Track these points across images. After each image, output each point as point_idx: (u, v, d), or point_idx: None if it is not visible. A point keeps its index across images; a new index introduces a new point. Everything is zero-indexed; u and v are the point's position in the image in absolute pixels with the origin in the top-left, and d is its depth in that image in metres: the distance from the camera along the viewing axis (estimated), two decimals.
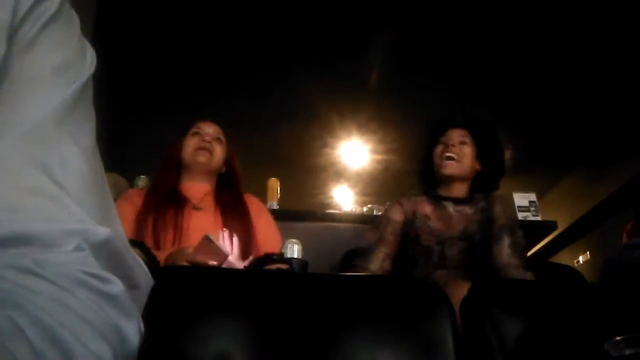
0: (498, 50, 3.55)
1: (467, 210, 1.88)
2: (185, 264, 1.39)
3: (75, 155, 0.44)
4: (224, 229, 1.59)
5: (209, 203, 1.76)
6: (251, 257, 1.57)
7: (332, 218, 2.83)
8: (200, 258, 1.38)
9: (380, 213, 2.49)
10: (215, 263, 1.38)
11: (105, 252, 0.43)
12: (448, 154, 1.91)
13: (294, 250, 2.11)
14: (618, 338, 0.67)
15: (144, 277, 0.50)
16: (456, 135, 1.96)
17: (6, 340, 0.32)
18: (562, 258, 4.82)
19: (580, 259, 4.71)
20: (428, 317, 1.06)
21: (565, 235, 4.66)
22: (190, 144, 1.83)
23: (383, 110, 4.15)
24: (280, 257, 1.67)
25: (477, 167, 1.95)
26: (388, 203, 2.09)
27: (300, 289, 1.09)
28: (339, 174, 5.15)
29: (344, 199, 5.39)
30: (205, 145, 1.81)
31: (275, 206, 2.77)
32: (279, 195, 2.86)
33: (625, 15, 3.13)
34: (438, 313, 1.07)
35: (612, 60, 3.47)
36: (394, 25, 3.41)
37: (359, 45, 3.54)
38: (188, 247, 1.45)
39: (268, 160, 4.05)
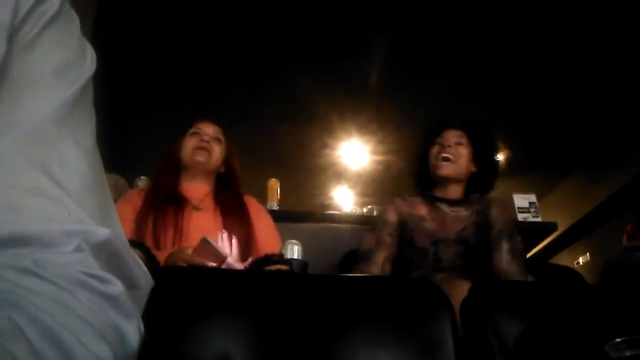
0: (498, 50, 3.55)
1: (463, 211, 1.87)
2: (184, 265, 1.39)
3: (75, 155, 0.44)
4: (224, 231, 1.59)
5: (209, 203, 1.76)
6: (251, 259, 1.57)
7: (332, 219, 2.83)
8: (199, 259, 1.38)
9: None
10: (214, 264, 1.38)
11: (105, 252, 0.43)
12: (444, 155, 1.90)
13: (293, 251, 2.11)
14: (618, 340, 0.67)
15: (144, 278, 0.50)
16: (452, 136, 1.95)
17: (6, 340, 0.32)
18: (562, 259, 4.82)
19: (580, 260, 4.71)
20: (428, 318, 1.06)
21: (565, 236, 4.67)
22: (189, 144, 1.83)
23: (383, 110, 4.15)
24: (280, 258, 1.67)
25: (473, 168, 1.94)
26: (370, 206, 2.08)
27: (300, 290, 1.09)
28: (339, 175, 5.15)
29: (344, 199, 5.39)
30: (204, 145, 1.81)
31: (275, 207, 2.77)
32: (279, 196, 2.86)
33: (625, 16, 3.13)
34: (438, 314, 1.06)
35: (612, 61, 3.47)
36: (394, 25, 3.41)
37: (359, 46, 3.54)
38: (188, 248, 1.45)
39: (268, 161, 4.05)
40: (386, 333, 1.02)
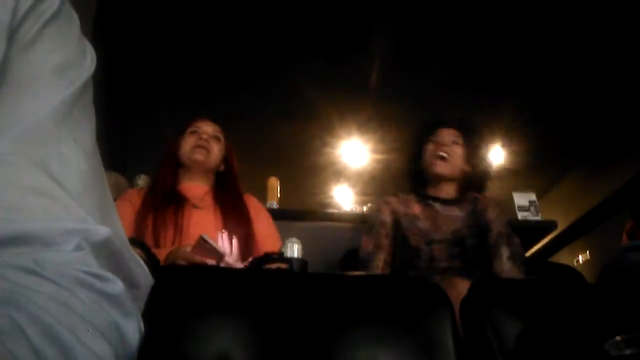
0: (498, 50, 3.55)
1: (456, 211, 1.86)
2: (183, 263, 1.39)
3: (75, 154, 0.44)
4: (224, 231, 1.59)
5: (209, 202, 1.76)
6: (251, 259, 1.57)
7: (332, 217, 2.83)
8: (198, 257, 1.38)
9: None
10: (213, 262, 1.39)
11: (105, 251, 0.43)
12: (440, 153, 1.90)
13: (293, 249, 2.11)
14: (618, 338, 0.67)
15: (144, 277, 0.50)
16: (448, 135, 1.94)
17: (6, 339, 0.32)
18: (561, 258, 4.83)
19: (580, 258, 4.71)
20: (428, 317, 1.06)
21: (565, 234, 4.67)
22: (187, 142, 1.83)
23: (383, 109, 4.15)
24: (280, 257, 1.67)
25: (466, 168, 1.94)
26: (370, 204, 2.08)
27: (300, 289, 1.09)
28: (339, 174, 5.15)
29: (344, 198, 5.39)
30: (203, 143, 1.81)
31: (275, 205, 2.77)
32: (278, 195, 2.86)
33: (625, 15, 3.13)
34: (438, 313, 1.06)
35: (613, 60, 3.47)
36: (394, 23, 3.41)
37: (359, 44, 3.54)
38: (188, 245, 1.45)
39: (268, 160, 4.05)
40: (386, 332, 1.02)
